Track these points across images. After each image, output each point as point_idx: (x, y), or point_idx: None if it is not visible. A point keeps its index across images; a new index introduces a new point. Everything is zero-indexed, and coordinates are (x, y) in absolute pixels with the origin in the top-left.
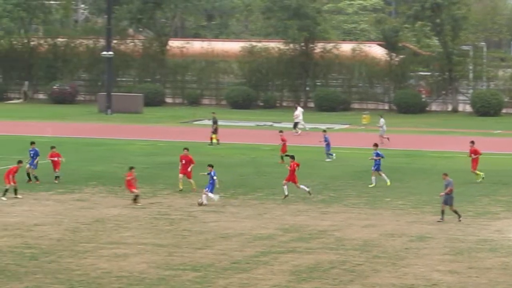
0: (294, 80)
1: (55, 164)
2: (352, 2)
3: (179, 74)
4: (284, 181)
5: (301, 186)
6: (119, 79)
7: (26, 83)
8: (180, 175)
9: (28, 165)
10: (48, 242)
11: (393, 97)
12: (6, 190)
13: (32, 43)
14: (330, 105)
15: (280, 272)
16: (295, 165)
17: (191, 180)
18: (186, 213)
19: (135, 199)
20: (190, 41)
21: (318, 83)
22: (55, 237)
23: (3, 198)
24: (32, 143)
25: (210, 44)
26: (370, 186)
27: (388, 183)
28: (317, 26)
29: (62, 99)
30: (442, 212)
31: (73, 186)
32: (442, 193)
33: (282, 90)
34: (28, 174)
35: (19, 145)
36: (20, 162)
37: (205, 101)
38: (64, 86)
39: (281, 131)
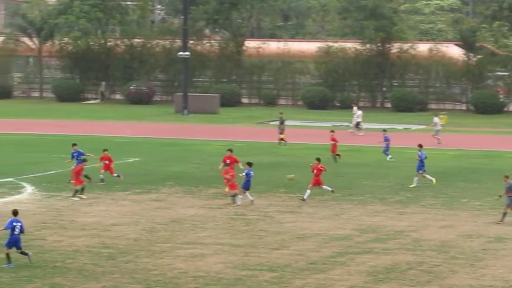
0: (371, 81)
1: (106, 167)
2: (429, 2)
3: (255, 74)
4: (310, 185)
5: (324, 187)
6: (195, 79)
7: (103, 83)
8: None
9: (73, 167)
10: (125, 242)
11: (470, 98)
12: (77, 191)
13: (109, 43)
14: (407, 105)
15: (357, 272)
16: (321, 169)
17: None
18: (263, 214)
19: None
20: (266, 42)
21: (394, 84)
22: (132, 237)
23: (83, 196)
24: (74, 144)
25: (286, 45)
26: (410, 186)
27: (434, 181)
28: (393, 26)
29: (139, 99)
30: (504, 214)
31: (150, 186)
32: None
33: (359, 91)
34: (86, 175)
35: (96, 145)
36: (84, 161)
37: (281, 101)
38: (140, 87)
39: (332, 131)
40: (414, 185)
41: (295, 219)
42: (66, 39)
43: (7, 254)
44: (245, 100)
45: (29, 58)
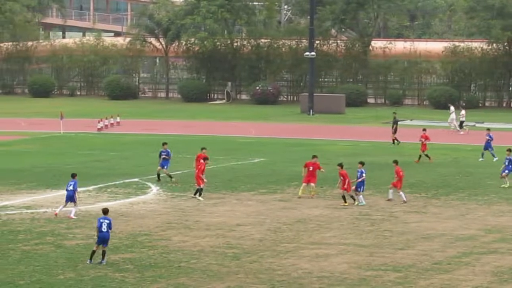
0: (497, 80)
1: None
2: None
3: (382, 74)
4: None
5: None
6: (321, 79)
7: (229, 84)
8: (304, 184)
9: (159, 167)
10: (250, 242)
11: None
12: (201, 190)
13: (235, 44)
14: None
15: (481, 273)
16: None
17: (313, 184)
18: (388, 214)
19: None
20: (393, 41)
21: None
22: (257, 237)
23: (200, 198)
24: (164, 143)
25: (412, 44)
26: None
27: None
28: None
29: (265, 99)
30: None
31: (275, 186)
32: None
33: (485, 90)
34: (158, 175)
35: (223, 145)
36: (206, 159)
37: (407, 101)
38: (266, 87)
39: (424, 129)
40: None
41: (420, 219)
42: (192, 40)
43: (93, 251)
44: (371, 100)
45: (156, 58)
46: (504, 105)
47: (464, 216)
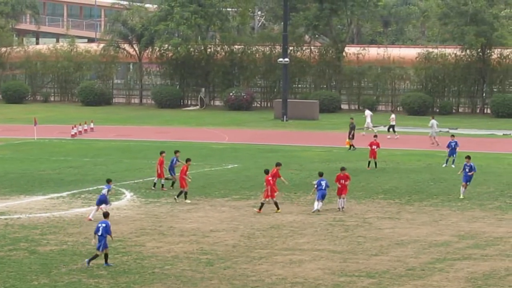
0: (471, 87)
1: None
2: None
3: (355, 80)
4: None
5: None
6: (295, 85)
7: (203, 90)
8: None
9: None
10: (223, 248)
11: None
12: (185, 193)
13: (209, 50)
14: (507, 111)
15: (455, 279)
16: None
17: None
18: (361, 220)
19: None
20: (366, 48)
21: (494, 89)
22: (230, 243)
23: (187, 201)
24: (177, 151)
25: (386, 51)
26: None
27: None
28: (494, 32)
29: (238, 105)
30: None
31: (249, 193)
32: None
33: (459, 96)
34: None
35: (197, 151)
36: (188, 160)
37: (381, 107)
38: (240, 93)
39: (375, 136)
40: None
41: (394, 225)
42: (166, 46)
43: (95, 255)
44: (344, 106)
45: (129, 64)
46: (478, 111)
47: (438, 222)
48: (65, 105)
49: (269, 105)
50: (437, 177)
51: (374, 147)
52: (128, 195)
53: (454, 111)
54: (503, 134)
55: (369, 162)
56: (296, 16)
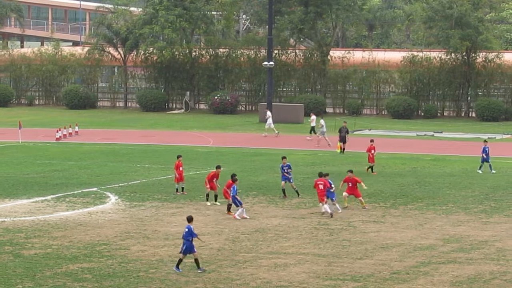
0: (455, 90)
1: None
2: None
3: (340, 84)
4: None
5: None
6: (280, 89)
7: (188, 93)
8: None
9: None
10: (208, 251)
11: None
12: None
13: (193, 53)
14: (492, 115)
15: (440, 282)
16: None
17: (361, 199)
18: (346, 223)
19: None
20: (351, 51)
21: (479, 93)
22: (215, 247)
23: (207, 203)
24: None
25: (371, 54)
26: None
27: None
28: (479, 35)
29: (223, 109)
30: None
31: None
32: None
33: (443, 100)
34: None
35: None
36: (218, 167)
37: (366, 111)
38: (225, 96)
39: (372, 140)
40: None
41: (378, 229)
42: (151, 49)
43: (180, 260)
44: (329, 110)
45: (114, 68)
46: (463, 114)
47: (423, 225)
48: (49, 108)
49: (254, 108)
50: (422, 181)
51: (372, 151)
52: (113, 198)
53: (439, 114)
54: (488, 138)
55: (371, 167)
56: (281, 19)
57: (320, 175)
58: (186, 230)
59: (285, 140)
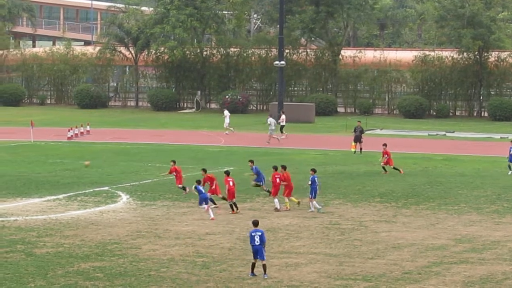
0: (467, 90)
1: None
2: None
3: (351, 83)
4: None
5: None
6: (291, 88)
7: (199, 92)
8: None
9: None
10: (219, 251)
11: None
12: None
13: (204, 53)
14: (504, 114)
15: (452, 283)
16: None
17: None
18: (357, 223)
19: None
20: (363, 50)
21: (492, 92)
22: (226, 246)
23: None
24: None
25: (382, 53)
26: None
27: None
28: (491, 34)
29: (234, 108)
30: None
31: (244, 196)
32: None
33: (455, 100)
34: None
35: (192, 154)
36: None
37: (377, 110)
38: (236, 96)
39: (384, 144)
40: None
41: (390, 229)
42: (162, 49)
43: (252, 264)
44: (340, 109)
45: (125, 67)
46: (475, 114)
47: (434, 225)
48: (61, 107)
49: (264, 108)
50: (433, 181)
51: (386, 156)
52: (124, 197)
53: (451, 114)
54: (500, 138)
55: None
56: (292, 19)
57: (276, 168)
58: (260, 234)
59: (296, 140)
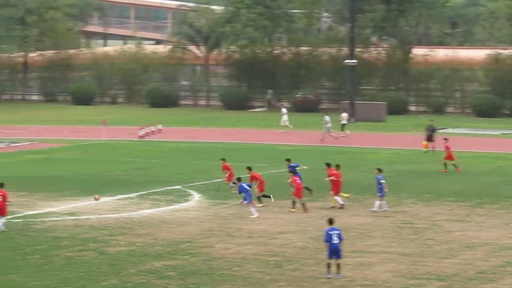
0: None
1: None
2: None
3: (423, 82)
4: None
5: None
6: (362, 87)
7: (270, 91)
8: None
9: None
10: (292, 250)
11: None
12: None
13: (275, 52)
14: None
15: None
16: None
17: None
18: (430, 222)
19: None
20: (434, 49)
21: None
22: (299, 245)
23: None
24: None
25: (454, 52)
26: None
27: None
28: None
29: (305, 107)
30: None
31: (317, 194)
32: None
33: None
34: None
35: (263, 153)
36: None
37: (449, 109)
38: (307, 95)
39: (445, 139)
40: None
41: (463, 228)
42: (232, 47)
43: (328, 264)
44: (412, 108)
45: (196, 66)
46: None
47: (508, 225)
48: (132, 106)
49: (336, 107)
50: (508, 180)
51: (447, 150)
52: (196, 196)
53: None
54: None
55: (453, 165)
56: (363, 17)
57: (249, 168)
58: (337, 232)
59: (368, 139)
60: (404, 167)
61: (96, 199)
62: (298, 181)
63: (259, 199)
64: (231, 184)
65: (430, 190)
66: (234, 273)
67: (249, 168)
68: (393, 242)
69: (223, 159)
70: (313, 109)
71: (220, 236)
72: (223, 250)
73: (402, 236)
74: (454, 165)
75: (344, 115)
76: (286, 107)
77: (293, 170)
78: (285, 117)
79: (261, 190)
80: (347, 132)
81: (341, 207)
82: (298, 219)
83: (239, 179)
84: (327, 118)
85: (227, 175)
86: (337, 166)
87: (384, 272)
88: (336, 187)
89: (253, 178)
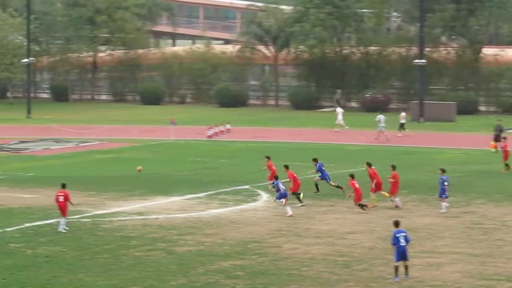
0: None
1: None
2: None
3: (493, 82)
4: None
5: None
6: (431, 87)
7: (339, 91)
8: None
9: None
10: (360, 250)
11: None
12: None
13: (344, 51)
14: None
15: None
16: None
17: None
18: (500, 223)
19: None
20: (505, 49)
21: None
22: (367, 245)
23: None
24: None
25: None
26: None
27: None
28: None
29: (375, 107)
30: None
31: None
32: None
33: None
34: (316, 185)
35: (331, 152)
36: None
37: None
38: (376, 95)
39: (504, 138)
40: None
41: None
42: (301, 47)
43: (396, 268)
44: (482, 108)
45: (264, 66)
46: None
47: None
48: (201, 106)
49: (405, 106)
50: None
51: (506, 149)
52: (264, 196)
53: None
54: None
55: (506, 164)
56: (432, 17)
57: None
58: (404, 234)
59: (437, 139)
60: (473, 167)
61: (138, 171)
62: (357, 185)
63: (298, 198)
64: (271, 183)
65: (500, 190)
66: (302, 273)
67: (286, 167)
68: (463, 243)
69: (268, 157)
70: (382, 109)
71: (288, 236)
72: (291, 250)
73: (471, 237)
74: (507, 165)
75: (403, 114)
76: (341, 107)
77: (320, 169)
78: (340, 116)
79: (294, 190)
80: (407, 131)
81: (366, 205)
82: (366, 219)
83: (276, 177)
84: (380, 117)
85: (269, 174)
86: (393, 167)
87: (453, 272)
88: (394, 187)
89: (291, 176)
